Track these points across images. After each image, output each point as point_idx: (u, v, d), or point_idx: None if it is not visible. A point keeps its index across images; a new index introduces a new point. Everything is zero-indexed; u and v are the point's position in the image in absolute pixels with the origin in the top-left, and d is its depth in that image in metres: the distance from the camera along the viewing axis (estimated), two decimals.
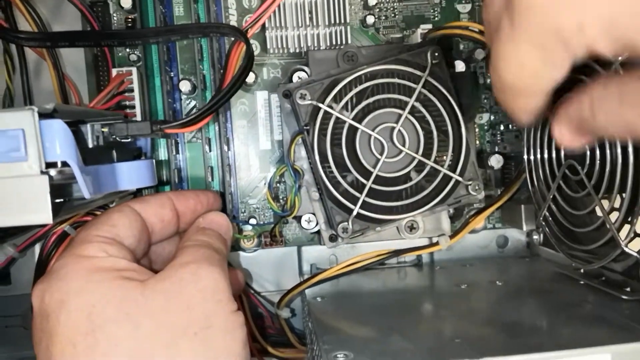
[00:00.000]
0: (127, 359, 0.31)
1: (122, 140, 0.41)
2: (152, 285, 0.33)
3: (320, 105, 0.46)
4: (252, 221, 0.54)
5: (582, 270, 0.47)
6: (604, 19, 0.24)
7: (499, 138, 0.56)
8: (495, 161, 0.54)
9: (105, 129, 0.39)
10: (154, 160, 0.43)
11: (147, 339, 0.32)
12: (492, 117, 0.56)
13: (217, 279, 0.35)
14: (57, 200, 0.33)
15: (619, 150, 0.38)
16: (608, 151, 0.39)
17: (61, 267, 0.34)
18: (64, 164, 0.33)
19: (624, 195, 0.39)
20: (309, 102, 0.47)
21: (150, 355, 0.32)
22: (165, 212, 0.41)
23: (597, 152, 0.40)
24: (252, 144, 0.54)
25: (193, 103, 0.53)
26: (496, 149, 0.56)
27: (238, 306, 0.36)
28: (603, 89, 0.29)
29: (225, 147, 0.52)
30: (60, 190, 0.35)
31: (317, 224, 0.50)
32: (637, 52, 0.25)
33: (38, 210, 0.32)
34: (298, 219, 0.51)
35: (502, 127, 0.56)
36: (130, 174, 0.40)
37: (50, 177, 0.32)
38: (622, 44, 0.25)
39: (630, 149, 0.37)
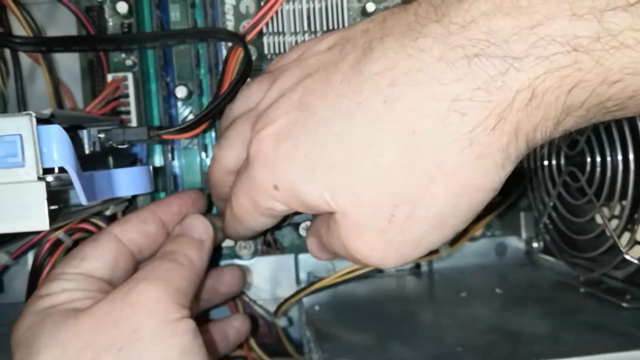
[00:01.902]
0: None
1: (119, 147, 0.40)
2: (88, 309, 0.34)
3: None
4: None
5: (581, 278, 0.47)
6: (288, 186, 0.31)
7: None
8: None
9: (102, 135, 0.39)
10: (151, 167, 0.42)
11: None
12: None
13: (153, 290, 0.34)
14: (54, 207, 0.33)
15: (619, 157, 0.38)
16: (609, 158, 0.39)
17: (24, 307, 0.36)
18: (61, 169, 0.32)
19: (624, 202, 0.39)
20: None
21: None
22: (149, 226, 0.41)
23: (598, 158, 0.40)
24: None
25: (189, 109, 0.52)
26: None
27: (186, 314, 0.35)
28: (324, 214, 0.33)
29: None
30: (57, 196, 0.34)
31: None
32: (319, 211, 0.31)
33: (34, 217, 0.31)
34: (295, 226, 0.51)
35: None
36: (127, 180, 0.39)
37: (47, 184, 0.31)
38: (307, 207, 0.31)
39: (631, 157, 0.37)
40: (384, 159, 0.28)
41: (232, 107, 0.40)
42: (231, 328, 0.47)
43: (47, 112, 0.32)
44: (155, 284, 0.35)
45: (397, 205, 0.28)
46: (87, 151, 0.37)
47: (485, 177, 0.27)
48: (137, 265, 0.41)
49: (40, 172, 0.31)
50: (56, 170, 0.32)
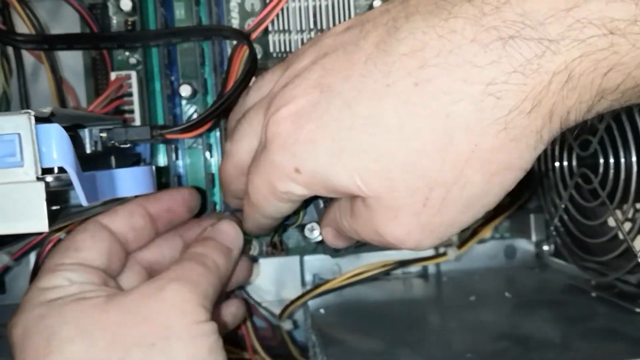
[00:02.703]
0: None
1: (121, 146, 0.40)
2: (113, 300, 0.33)
3: None
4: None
5: (593, 282, 0.46)
6: (312, 170, 0.30)
7: None
8: None
9: (104, 134, 0.38)
10: (153, 167, 0.41)
11: (100, 354, 0.31)
12: None
13: (184, 292, 0.34)
14: (54, 208, 0.32)
15: (634, 159, 0.37)
16: (623, 159, 0.38)
17: (26, 301, 0.34)
18: (61, 169, 0.31)
19: (638, 205, 0.38)
20: None
21: None
22: (135, 219, 0.40)
23: (612, 160, 0.39)
24: None
25: (194, 108, 0.51)
26: None
27: (209, 317, 0.34)
28: (344, 200, 0.34)
29: None
30: (57, 197, 0.33)
31: (320, 232, 0.49)
32: (348, 195, 0.31)
33: (34, 218, 0.31)
34: (301, 227, 0.50)
35: None
36: (129, 181, 0.38)
37: (47, 184, 0.31)
38: (332, 191, 0.31)
39: None
40: (418, 143, 0.28)
41: (244, 100, 0.40)
42: (228, 314, 0.46)
43: (46, 110, 0.32)
44: (188, 286, 0.34)
45: (432, 188, 0.28)
46: (88, 151, 0.37)
47: (519, 158, 0.27)
48: (127, 256, 0.40)
49: (39, 172, 0.30)
50: (56, 170, 0.31)
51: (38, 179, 0.30)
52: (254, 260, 0.52)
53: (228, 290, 0.48)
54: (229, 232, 0.41)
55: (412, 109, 0.27)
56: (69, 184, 0.32)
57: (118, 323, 0.32)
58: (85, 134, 0.37)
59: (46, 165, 0.31)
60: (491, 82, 0.25)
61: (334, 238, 0.39)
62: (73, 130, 0.35)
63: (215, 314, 0.45)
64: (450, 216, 0.29)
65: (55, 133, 0.31)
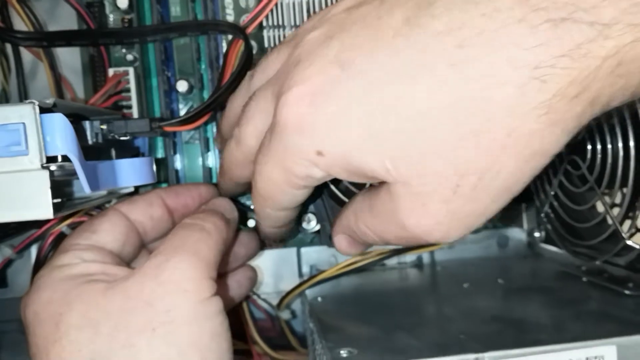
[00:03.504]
0: None
1: (121, 139, 0.41)
2: (115, 285, 0.33)
3: None
4: (251, 223, 0.53)
5: (583, 268, 0.47)
6: (338, 152, 0.28)
7: None
8: None
9: (104, 127, 0.39)
10: (153, 158, 0.42)
11: (105, 341, 0.32)
12: None
13: (185, 268, 0.34)
14: (58, 196, 0.33)
15: (620, 145, 0.38)
16: (609, 145, 0.39)
17: (37, 279, 0.35)
18: (65, 158, 0.32)
19: (625, 190, 0.39)
20: None
21: (107, 357, 0.32)
22: (154, 209, 0.41)
23: (599, 146, 0.40)
24: None
25: (190, 103, 0.52)
26: None
27: (214, 290, 0.34)
28: (360, 201, 0.33)
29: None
30: (61, 186, 0.34)
31: (317, 223, 0.50)
32: (373, 179, 0.29)
33: (39, 205, 0.31)
34: (298, 219, 0.51)
35: None
36: (130, 171, 0.39)
37: (51, 172, 0.32)
38: (356, 174, 0.29)
39: (632, 144, 0.37)
40: (452, 127, 0.26)
41: (249, 83, 0.38)
42: (244, 277, 0.48)
43: (49, 101, 0.33)
44: (187, 259, 0.34)
45: (464, 174, 0.27)
46: (90, 142, 0.37)
47: (554, 143, 0.26)
48: (142, 246, 0.41)
49: (44, 160, 0.31)
50: (59, 159, 0.32)
51: (43, 167, 0.31)
52: None
53: (237, 265, 0.48)
54: (223, 204, 0.42)
55: (448, 91, 0.26)
56: (73, 173, 0.33)
57: (121, 309, 0.32)
58: (87, 125, 0.37)
59: (50, 154, 0.32)
60: (538, 65, 0.24)
61: (348, 245, 0.37)
62: (75, 122, 0.36)
63: (234, 280, 0.47)
64: (481, 204, 0.28)
65: (59, 122, 0.32)
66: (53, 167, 0.32)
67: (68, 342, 0.32)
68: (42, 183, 0.31)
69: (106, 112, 0.44)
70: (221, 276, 0.46)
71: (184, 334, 0.33)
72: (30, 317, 0.34)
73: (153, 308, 0.32)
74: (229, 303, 0.46)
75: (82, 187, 0.33)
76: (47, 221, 0.43)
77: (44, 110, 0.32)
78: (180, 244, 0.35)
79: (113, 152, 0.41)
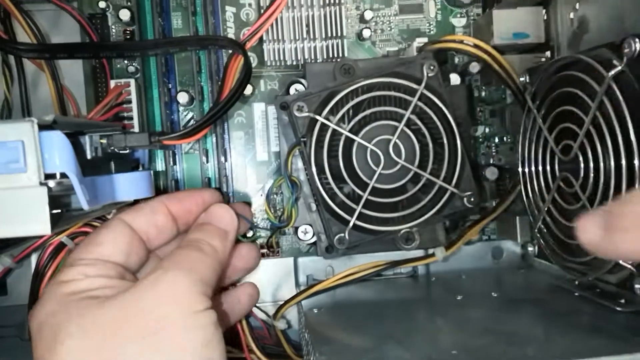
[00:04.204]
0: None
1: (120, 152, 0.41)
2: (113, 298, 0.34)
3: (318, 117, 0.47)
4: (249, 233, 0.54)
5: (576, 282, 0.47)
6: None
7: (493, 150, 0.56)
8: (490, 173, 0.54)
9: (104, 140, 0.40)
10: (151, 172, 0.43)
11: (96, 350, 0.33)
12: (486, 130, 0.56)
13: (180, 282, 0.35)
14: (56, 211, 0.34)
15: (612, 163, 0.39)
16: (602, 164, 0.40)
17: (44, 293, 0.36)
18: (63, 175, 0.33)
19: None
20: (306, 114, 0.47)
21: None
22: (158, 217, 0.41)
23: (591, 164, 0.41)
24: (249, 155, 0.54)
25: (191, 114, 0.53)
26: (491, 161, 0.56)
27: (208, 305, 0.35)
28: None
29: (223, 158, 0.53)
30: (59, 201, 0.35)
31: (313, 235, 0.51)
32: None
33: (36, 221, 0.32)
34: (294, 230, 0.51)
35: (496, 140, 0.56)
36: (128, 185, 0.40)
37: (49, 189, 0.32)
38: None
39: (624, 163, 0.38)
40: None
41: None
42: (244, 294, 0.48)
43: (49, 118, 0.33)
44: (182, 275, 0.35)
45: None
46: (88, 156, 0.38)
47: None
48: (148, 253, 0.41)
49: (42, 177, 0.32)
50: (58, 176, 0.33)
51: (41, 184, 0.32)
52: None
53: (236, 277, 0.49)
54: (222, 215, 0.43)
55: None
56: (71, 188, 0.34)
57: (114, 319, 0.33)
58: (86, 140, 0.38)
59: (49, 171, 0.32)
60: None
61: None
62: (74, 137, 0.37)
63: (232, 297, 0.47)
64: None
65: (57, 140, 0.32)
66: (51, 183, 0.33)
67: (63, 350, 0.33)
68: (40, 200, 0.32)
69: (106, 125, 0.45)
70: (220, 292, 0.47)
71: (174, 342, 0.33)
72: (34, 327, 0.35)
73: (145, 318, 0.33)
74: (228, 320, 0.47)
75: (81, 203, 0.33)
76: None
77: (43, 127, 0.32)
78: (178, 261, 0.36)
79: (112, 165, 0.42)
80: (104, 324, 0.33)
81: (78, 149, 0.37)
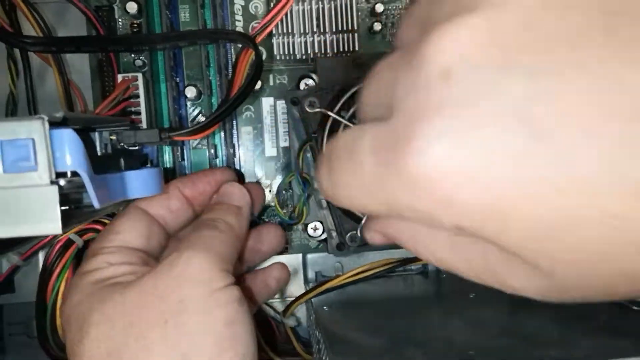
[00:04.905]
0: (107, 356, 0.33)
1: (130, 148, 0.41)
2: (133, 283, 0.35)
3: (329, 113, 0.46)
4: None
5: None
6: None
7: None
8: None
9: (113, 137, 0.39)
10: (161, 168, 0.42)
11: (120, 336, 0.33)
12: None
13: (197, 262, 0.35)
14: (66, 209, 0.33)
15: None
16: None
17: (70, 286, 0.37)
18: (74, 173, 0.32)
19: None
20: (318, 110, 0.46)
21: (123, 351, 0.33)
22: (172, 202, 0.42)
23: None
24: (258, 150, 0.53)
25: (199, 109, 0.52)
26: None
27: (229, 281, 0.35)
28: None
29: (231, 154, 0.52)
30: (70, 199, 0.34)
31: (323, 232, 0.50)
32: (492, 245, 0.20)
33: (47, 220, 0.31)
34: (304, 226, 0.51)
35: None
36: (139, 182, 0.39)
37: (60, 187, 0.32)
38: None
39: None
40: None
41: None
42: (271, 278, 0.48)
43: (59, 115, 0.32)
44: (198, 254, 0.35)
45: None
46: (99, 153, 0.37)
47: None
48: (168, 237, 0.42)
49: (53, 176, 0.31)
50: (69, 174, 0.32)
51: (52, 182, 0.31)
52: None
53: (261, 261, 0.49)
54: (232, 192, 0.43)
55: None
56: (81, 186, 0.33)
57: (136, 305, 0.34)
58: (96, 136, 0.37)
59: (60, 170, 0.31)
60: None
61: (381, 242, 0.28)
62: (84, 134, 0.36)
63: (259, 280, 0.47)
64: None
65: (68, 138, 0.32)
66: (62, 182, 0.32)
67: (89, 340, 0.33)
68: (51, 199, 0.31)
69: (115, 120, 0.44)
70: (246, 273, 0.47)
71: (196, 323, 0.33)
72: (64, 322, 0.36)
73: (165, 301, 0.34)
74: (254, 302, 0.47)
75: (92, 202, 0.33)
76: None
77: (53, 124, 0.32)
78: (194, 241, 0.37)
79: (122, 161, 0.41)
80: (125, 311, 0.34)
81: (88, 146, 0.36)
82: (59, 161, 0.32)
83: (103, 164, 0.37)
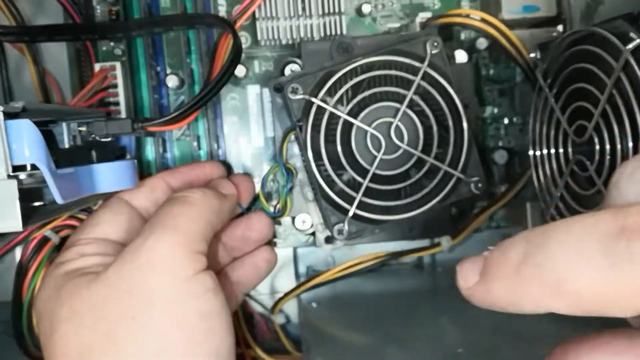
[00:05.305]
0: (77, 355, 0.32)
1: (103, 140, 0.39)
2: (100, 277, 0.33)
3: (313, 99, 0.44)
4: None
5: None
6: None
7: (502, 132, 0.53)
8: (499, 157, 0.52)
9: (83, 128, 0.37)
10: (135, 161, 0.40)
11: (89, 333, 0.32)
12: (495, 110, 0.53)
13: (162, 247, 0.32)
14: (28, 206, 0.31)
15: (630, 144, 0.36)
16: (618, 146, 0.37)
17: (43, 278, 0.36)
18: (34, 166, 0.30)
19: None
20: (301, 96, 0.44)
21: (92, 349, 0.31)
22: (158, 194, 0.40)
23: (607, 146, 0.38)
24: (244, 140, 0.51)
25: (182, 99, 0.50)
26: (500, 144, 0.53)
27: (200, 266, 0.33)
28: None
29: (215, 145, 0.50)
30: (32, 194, 0.32)
31: (312, 225, 0.48)
32: None
33: (7, 217, 0.30)
34: (292, 219, 0.49)
35: (506, 121, 0.53)
36: (110, 176, 0.37)
37: (20, 181, 0.30)
38: None
39: None
40: None
41: None
42: (261, 260, 0.46)
43: (18, 105, 0.31)
44: (163, 237, 0.33)
45: None
46: (66, 145, 0.36)
47: None
48: None
49: (10, 169, 0.30)
50: (28, 168, 0.30)
51: (9, 176, 0.30)
52: None
53: (252, 248, 0.46)
54: (219, 182, 0.41)
55: None
56: (44, 180, 0.31)
57: (103, 298, 0.32)
58: (63, 128, 0.35)
59: (17, 163, 0.30)
60: None
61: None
62: (47, 125, 0.34)
63: (249, 263, 0.45)
64: None
65: (26, 129, 0.30)
66: (22, 176, 0.30)
67: (58, 337, 0.32)
68: (9, 194, 0.29)
69: (89, 111, 0.42)
70: (235, 260, 0.45)
71: (165, 317, 0.32)
72: (36, 313, 0.35)
73: (132, 295, 0.32)
74: (246, 287, 0.45)
75: (54, 196, 0.31)
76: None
77: (11, 115, 0.30)
78: (159, 221, 0.34)
79: (94, 154, 0.39)
80: (93, 305, 0.32)
81: (53, 138, 0.35)
82: (16, 153, 0.30)
83: (71, 157, 0.35)
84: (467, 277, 0.23)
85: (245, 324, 0.50)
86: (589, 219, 0.19)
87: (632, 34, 0.34)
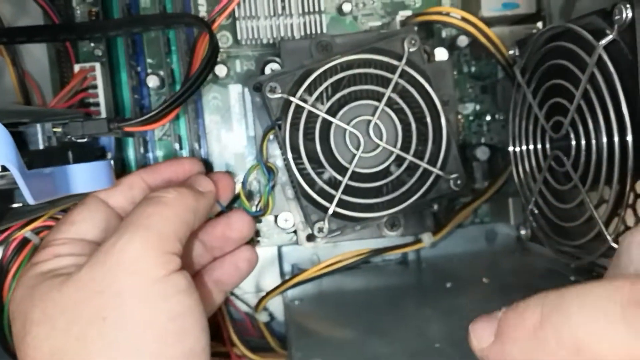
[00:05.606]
0: (49, 358, 0.31)
1: (80, 141, 0.39)
2: (71, 278, 0.32)
3: (291, 98, 0.44)
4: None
5: (572, 266, 0.45)
6: None
7: (485, 128, 0.54)
8: (481, 153, 0.52)
9: (59, 129, 0.37)
10: (112, 161, 0.40)
11: (61, 335, 0.31)
12: (477, 107, 0.54)
13: (133, 248, 0.32)
14: (0, 206, 0.31)
15: (604, 140, 0.36)
16: (594, 141, 0.37)
17: (18, 278, 0.36)
18: (5, 168, 0.30)
19: (610, 187, 0.37)
20: (280, 95, 0.44)
21: (64, 352, 0.31)
22: (135, 192, 0.40)
23: (583, 141, 0.38)
24: (226, 140, 0.51)
25: (163, 99, 0.50)
26: (482, 140, 0.53)
27: (173, 266, 0.33)
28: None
29: (197, 145, 0.50)
30: (4, 196, 0.32)
31: (294, 223, 0.48)
32: None
33: None
34: (275, 218, 0.49)
35: (488, 117, 0.53)
36: (85, 176, 0.37)
37: None
38: None
39: (617, 139, 0.35)
40: None
41: None
42: (241, 260, 0.45)
43: None
44: (135, 238, 0.32)
45: None
46: (40, 146, 0.35)
47: None
48: None
49: None
50: None
51: None
52: None
53: (233, 248, 0.45)
54: (197, 179, 0.41)
55: None
56: (15, 182, 0.31)
57: (74, 301, 0.32)
58: (37, 129, 0.35)
59: None
60: None
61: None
62: (16, 127, 0.34)
63: (229, 263, 0.44)
64: None
65: None
66: None
67: (31, 339, 0.32)
68: None
69: (66, 112, 0.42)
70: (216, 259, 0.45)
71: (135, 318, 0.31)
72: (10, 314, 0.34)
73: (103, 295, 0.32)
74: (226, 287, 0.45)
75: (25, 197, 0.31)
76: (8, 227, 0.41)
77: None
78: (132, 221, 0.34)
79: (70, 155, 0.39)
80: (65, 307, 0.32)
81: (26, 139, 0.35)
82: None
83: (46, 159, 0.35)
84: (481, 338, 0.23)
85: (230, 322, 0.50)
86: (607, 285, 0.20)
87: (606, 30, 0.34)
